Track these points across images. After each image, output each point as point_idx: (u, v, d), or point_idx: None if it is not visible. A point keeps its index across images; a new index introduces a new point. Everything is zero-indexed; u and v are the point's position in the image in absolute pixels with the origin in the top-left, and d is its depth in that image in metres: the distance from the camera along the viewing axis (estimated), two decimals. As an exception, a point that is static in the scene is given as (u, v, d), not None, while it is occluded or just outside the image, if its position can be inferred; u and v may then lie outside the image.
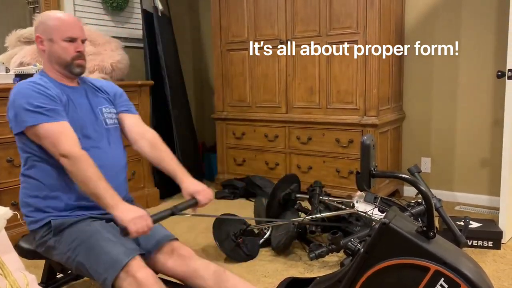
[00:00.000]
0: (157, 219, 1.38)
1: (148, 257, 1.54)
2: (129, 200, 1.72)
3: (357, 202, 2.37)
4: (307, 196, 2.60)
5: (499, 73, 2.47)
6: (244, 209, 3.18)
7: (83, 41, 1.62)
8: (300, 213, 2.58)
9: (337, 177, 3.17)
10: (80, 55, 1.59)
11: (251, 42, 3.48)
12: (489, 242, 2.45)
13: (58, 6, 3.31)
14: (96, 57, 3.15)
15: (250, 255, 2.40)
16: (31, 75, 2.72)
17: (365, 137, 1.29)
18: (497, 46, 3.07)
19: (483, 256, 2.36)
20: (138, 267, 1.36)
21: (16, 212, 1.58)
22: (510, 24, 2.38)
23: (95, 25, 3.52)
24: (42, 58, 1.63)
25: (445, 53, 3.26)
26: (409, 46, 3.38)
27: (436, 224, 2.42)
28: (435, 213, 1.84)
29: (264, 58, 3.45)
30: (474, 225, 2.51)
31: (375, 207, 2.33)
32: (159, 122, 3.55)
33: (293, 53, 3.29)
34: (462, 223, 2.30)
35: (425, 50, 3.32)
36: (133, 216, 1.33)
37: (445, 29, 3.25)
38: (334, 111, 3.16)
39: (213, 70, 3.81)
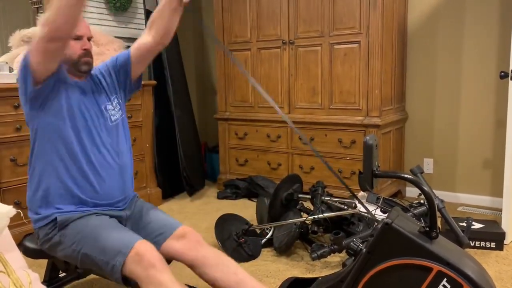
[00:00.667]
0: None
1: (158, 245, 1.54)
2: (134, 196, 1.73)
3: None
4: (309, 197, 2.60)
5: (502, 73, 2.47)
6: (246, 209, 3.18)
7: (89, 39, 1.62)
8: (302, 213, 2.58)
9: (339, 177, 3.16)
10: (87, 52, 1.60)
11: (253, 43, 3.48)
12: (492, 243, 2.45)
13: (62, 6, 3.32)
14: (99, 57, 3.15)
15: (252, 255, 2.40)
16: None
17: (368, 137, 1.29)
18: (500, 46, 3.06)
19: (485, 257, 2.36)
20: (146, 249, 1.36)
21: (20, 211, 1.58)
22: (513, 25, 2.38)
23: (98, 25, 3.52)
24: None
25: (448, 54, 3.26)
26: (411, 46, 3.38)
27: (439, 224, 2.42)
28: (438, 213, 1.84)
29: (267, 58, 3.46)
30: (476, 226, 2.51)
31: (377, 208, 2.33)
32: (162, 122, 3.56)
33: (296, 54, 3.29)
34: (464, 224, 2.30)
35: (428, 50, 3.32)
36: None
37: (448, 30, 3.24)
38: (336, 112, 3.16)
39: (216, 70, 3.82)
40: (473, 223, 2.45)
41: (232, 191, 3.59)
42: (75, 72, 1.60)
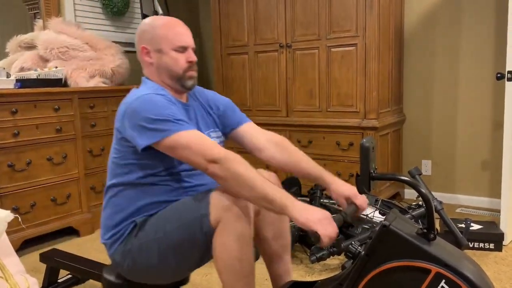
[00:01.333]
0: None
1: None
2: None
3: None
4: (308, 199, 2.60)
5: (499, 75, 2.48)
6: (245, 213, 3.17)
7: (193, 49, 1.47)
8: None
9: (337, 180, 3.16)
10: (192, 65, 1.45)
11: (251, 46, 3.49)
12: (491, 244, 2.45)
13: (59, 11, 3.33)
14: (96, 61, 3.16)
15: (251, 259, 2.39)
16: (32, 80, 2.73)
17: (364, 140, 1.30)
18: (496, 47, 3.07)
19: (484, 258, 2.36)
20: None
21: (17, 216, 1.58)
22: (509, 26, 2.39)
23: (95, 30, 3.53)
24: (147, 71, 1.50)
25: (445, 56, 3.27)
26: (408, 48, 3.39)
27: (438, 226, 2.42)
28: (436, 215, 1.84)
29: (264, 62, 3.46)
30: (475, 227, 2.51)
31: (375, 210, 2.33)
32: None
33: (293, 57, 3.30)
34: (463, 225, 2.30)
35: (425, 52, 3.33)
36: (319, 216, 1.15)
37: (445, 31, 3.25)
38: (334, 114, 3.17)
39: (214, 74, 3.82)
40: (472, 224, 2.45)
41: (230, 194, 3.58)
42: (179, 88, 1.46)
